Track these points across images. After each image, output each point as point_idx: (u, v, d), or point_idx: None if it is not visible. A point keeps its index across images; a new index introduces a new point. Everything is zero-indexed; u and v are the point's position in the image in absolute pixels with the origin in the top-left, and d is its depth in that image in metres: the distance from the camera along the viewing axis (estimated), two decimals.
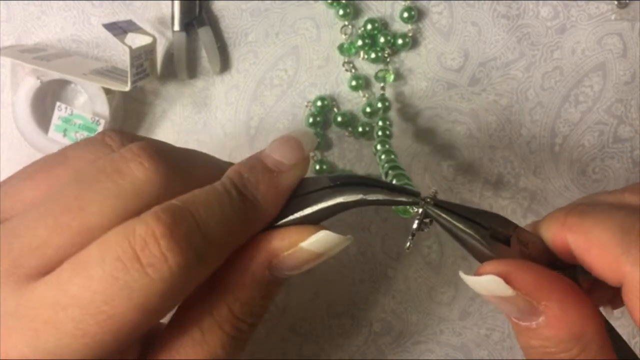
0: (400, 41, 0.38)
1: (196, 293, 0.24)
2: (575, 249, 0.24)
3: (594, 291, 0.27)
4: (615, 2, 0.38)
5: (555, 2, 0.38)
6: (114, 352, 0.21)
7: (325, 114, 0.38)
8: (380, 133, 0.36)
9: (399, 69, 0.38)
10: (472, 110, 0.39)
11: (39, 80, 0.36)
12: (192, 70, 0.38)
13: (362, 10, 0.38)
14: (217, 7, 0.38)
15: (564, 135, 0.39)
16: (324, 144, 0.39)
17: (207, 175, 0.24)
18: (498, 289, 0.23)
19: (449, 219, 0.25)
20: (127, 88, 0.34)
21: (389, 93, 0.38)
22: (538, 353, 0.23)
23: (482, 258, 0.25)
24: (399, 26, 0.38)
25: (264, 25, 0.38)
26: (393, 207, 0.36)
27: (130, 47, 0.33)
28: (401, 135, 0.39)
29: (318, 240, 0.24)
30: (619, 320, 0.39)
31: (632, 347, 0.38)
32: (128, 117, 0.39)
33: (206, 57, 0.38)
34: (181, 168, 0.24)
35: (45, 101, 0.37)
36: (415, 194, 0.25)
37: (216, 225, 0.22)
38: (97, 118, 0.36)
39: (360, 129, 0.38)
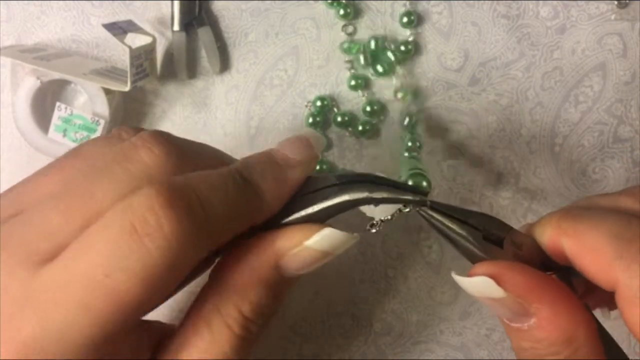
0: (402, 48, 0.38)
1: (206, 294, 0.24)
2: (569, 253, 0.24)
3: (591, 293, 0.27)
4: (615, 2, 0.38)
5: (555, 2, 0.38)
6: (121, 327, 0.21)
7: (325, 114, 0.38)
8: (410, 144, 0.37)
9: (406, 75, 0.38)
10: (472, 110, 0.39)
11: (39, 80, 0.36)
12: (192, 70, 0.38)
13: (362, 10, 0.38)
14: (217, 7, 0.38)
15: (564, 135, 0.39)
16: (324, 144, 0.39)
17: (215, 166, 0.24)
18: (489, 290, 0.23)
19: (441, 219, 0.25)
20: (127, 88, 0.34)
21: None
22: (529, 354, 0.23)
23: (474, 260, 0.25)
24: (399, 29, 0.38)
25: (264, 25, 0.38)
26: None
27: (130, 47, 0.33)
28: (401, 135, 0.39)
29: (323, 238, 0.24)
30: (616, 321, 0.39)
31: (630, 347, 0.39)
32: (128, 117, 0.39)
33: (206, 57, 0.38)
34: (190, 157, 0.24)
35: (45, 101, 0.37)
36: (422, 193, 0.25)
37: (218, 203, 0.22)
38: (97, 118, 0.36)
39: (360, 128, 0.38)
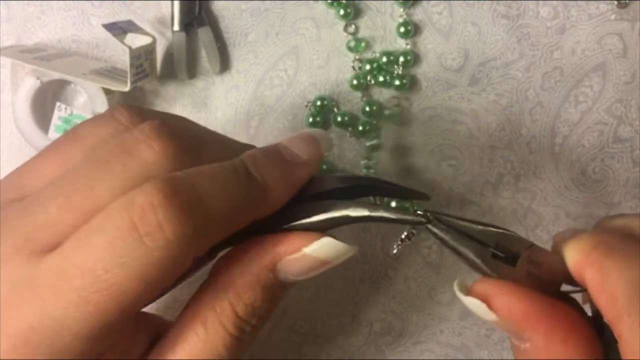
0: (402, 59, 0.38)
1: (203, 292, 0.24)
2: (588, 285, 0.23)
3: None
4: (615, 2, 0.38)
5: (555, 2, 0.38)
6: (119, 321, 0.21)
7: (325, 114, 0.38)
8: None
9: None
10: (472, 110, 0.39)
11: (39, 81, 0.36)
12: (192, 70, 0.38)
13: (362, 10, 0.38)
14: (217, 7, 0.38)
15: (564, 135, 0.39)
16: (332, 146, 0.39)
17: (220, 156, 0.24)
18: (481, 312, 0.22)
19: (442, 236, 0.24)
20: (127, 88, 0.34)
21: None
22: None
23: (483, 275, 0.24)
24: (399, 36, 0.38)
25: (264, 25, 0.38)
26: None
27: (130, 47, 0.33)
28: (401, 135, 0.39)
29: (322, 246, 0.24)
30: None
31: None
32: None
33: (206, 57, 0.38)
34: (193, 149, 0.24)
35: (45, 101, 0.37)
36: (424, 195, 0.25)
37: (219, 198, 0.22)
38: None
39: (360, 128, 0.38)
